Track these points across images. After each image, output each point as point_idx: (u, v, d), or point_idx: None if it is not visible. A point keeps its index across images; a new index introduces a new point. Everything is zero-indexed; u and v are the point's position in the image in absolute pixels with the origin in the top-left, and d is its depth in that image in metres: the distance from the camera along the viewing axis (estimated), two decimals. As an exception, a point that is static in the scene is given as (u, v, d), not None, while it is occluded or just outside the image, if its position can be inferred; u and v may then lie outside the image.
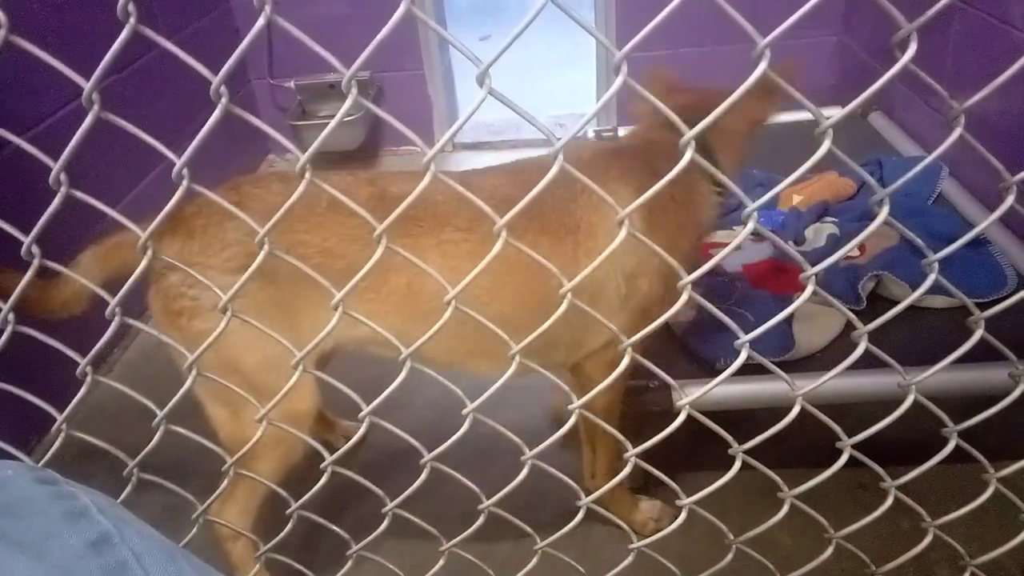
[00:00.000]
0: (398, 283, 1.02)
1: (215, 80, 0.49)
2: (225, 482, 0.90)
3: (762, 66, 0.46)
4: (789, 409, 0.69)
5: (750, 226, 0.54)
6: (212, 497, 0.85)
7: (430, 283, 0.96)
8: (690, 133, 0.50)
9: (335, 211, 0.97)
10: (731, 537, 0.81)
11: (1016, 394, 0.67)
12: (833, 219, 1.72)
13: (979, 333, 0.62)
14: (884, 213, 0.53)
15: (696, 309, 1.47)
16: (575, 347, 1.16)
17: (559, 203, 1.05)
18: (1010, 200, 0.54)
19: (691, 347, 1.42)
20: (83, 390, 0.71)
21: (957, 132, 0.51)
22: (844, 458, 0.71)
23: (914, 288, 1.57)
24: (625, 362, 0.60)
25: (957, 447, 0.73)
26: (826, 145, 0.50)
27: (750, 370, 0.68)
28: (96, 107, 0.51)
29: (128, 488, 0.79)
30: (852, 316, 0.63)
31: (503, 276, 1.01)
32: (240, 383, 0.80)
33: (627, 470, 0.74)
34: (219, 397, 1.08)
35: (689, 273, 0.57)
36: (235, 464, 0.84)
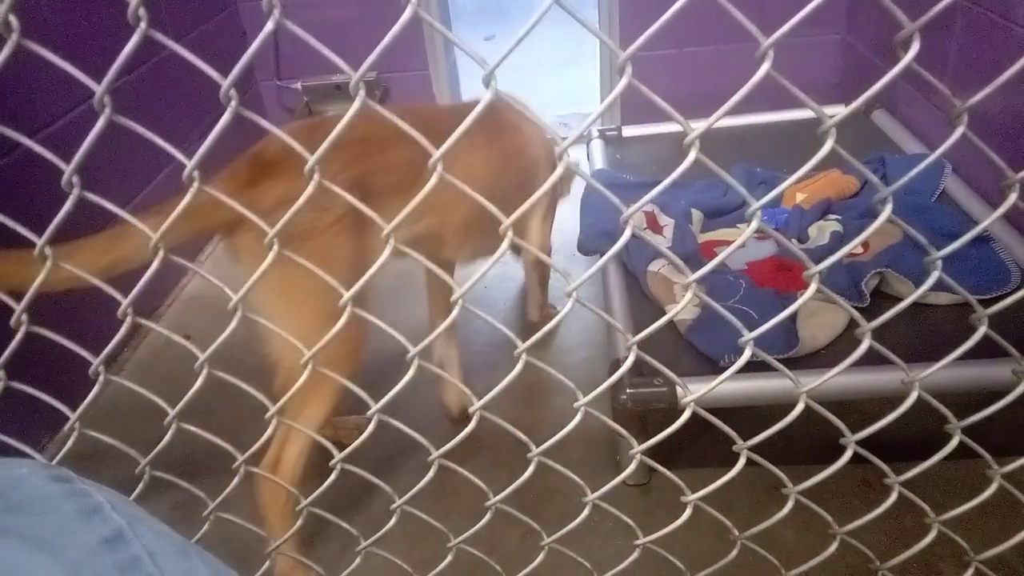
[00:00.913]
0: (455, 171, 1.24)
1: (225, 84, 0.50)
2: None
3: (765, 66, 0.46)
4: (792, 405, 0.69)
5: (754, 224, 0.54)
6: (223, 494, 0.86)
7: (476, 171, 1.34)
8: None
9: (402, 135, 1.13)
10: (736, 533, 0.81)
11: (1019, 391, 0.67)
12: (836, 216, 1.72)
13: (982, 330, 0.62)
14: (887, 212, 0.53)
15: (700, 307, 1.47)
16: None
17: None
18: (1012, 198, 0.55)
19: (695, 345, 1.42)
20: (96, 389, 0.71)
21: (959, 131, 0.51)
22: (848, 455, 0.72)
23: (918, 285, 1.57)
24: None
25: (961, 443, 0.74)
26: (829, 144, 0.50)
27: (754, 367, 0.68)
28: (108, 110, 0.52)
29: (140, 486, 0.80)
30: (856, 314, 0.64)
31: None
32: (326, 304, 0.83)
33: (632, 467, 0.75)
34: (297, 325, 1.06)
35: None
36: (297, 397, 0.84)
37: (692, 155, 0.50)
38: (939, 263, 0.59)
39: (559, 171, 0.55)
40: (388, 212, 1.04)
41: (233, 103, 0.51)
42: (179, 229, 0.95)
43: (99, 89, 0.52)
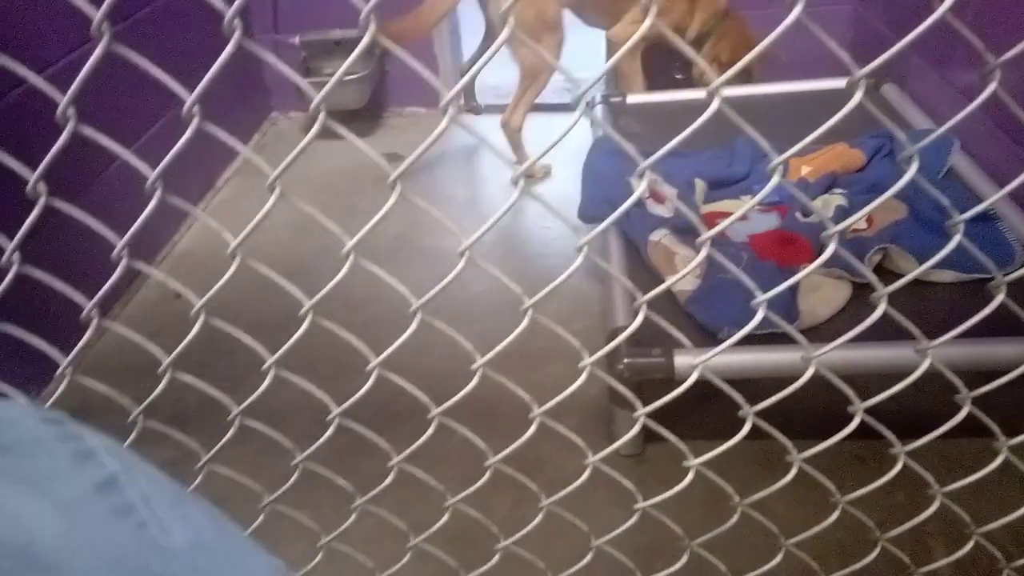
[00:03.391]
0: None
1: (229, 13, 0.48)
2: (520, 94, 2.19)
3: (798, 8, 0.44)
4: (793, 378, 0.68)
5: (775, 179, 0.52)
6: (217, 445, 0.85)
7: None
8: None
9: None
10: (737, 499, 0.81)
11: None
12: (842, 191, 1.71)
13: (1000, 298, 0.61)
14: (913, 169, 0.52)
15: (700, 277, 1.46)
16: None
17: None
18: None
19: (694, 316, 1.41)
20: (89, 333, 0.70)
21: (992, 86, 0.49)
22: (856, 422, 0.71)
23: (921, 261, 1.56)
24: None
25: (961, 419, 0.73)
26: (858, 96, 0.48)
27: (753, 340, 0.67)
28: (107, 37, 0.50)
29: (133, 435, 0.79)
30: (874, 277, 0.62)
31: None
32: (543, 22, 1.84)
33: (635, 430, 0.74)
34: (531, 36, 1.85)
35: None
36: (530, 80, 2.20)
37: (715, 104, 0.48)
38: (961, 226, 0.57)
39: (575, 119, 0.53)
40: None
41: (237, 33, 0.48)
42: None
43: (97, 15, 0.50)
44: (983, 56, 0.49)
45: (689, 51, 0.48)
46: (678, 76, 2.46)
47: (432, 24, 2.12)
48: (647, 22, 0.45)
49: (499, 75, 2.91)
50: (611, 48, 2.53)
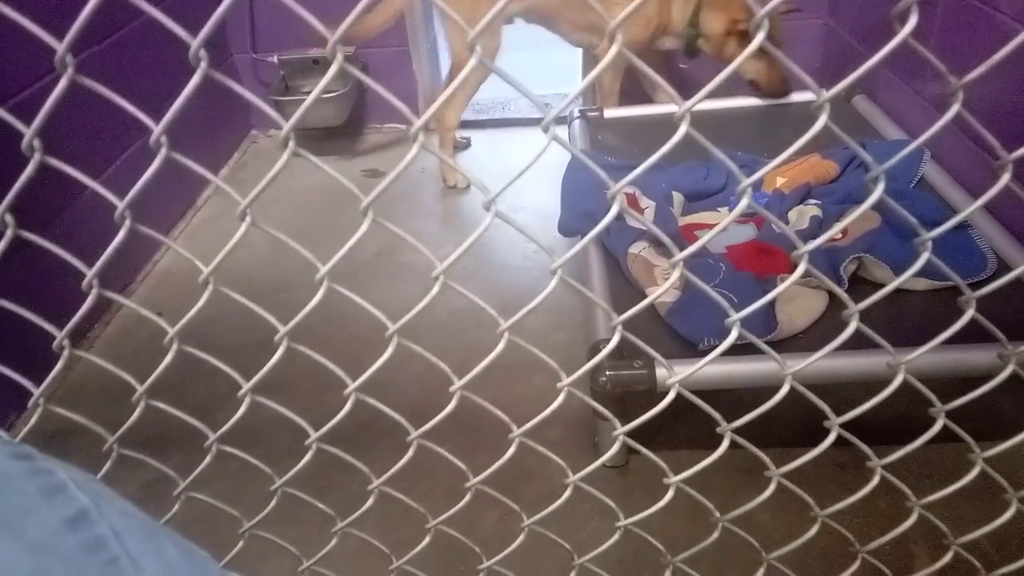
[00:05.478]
0: None
1: (194, 43, 0.48)
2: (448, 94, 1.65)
3: (760, 36, 0.45)
4: (771, 388, 0.68)
5: (744, 202, 0.53)
6: (194, 473, 0.84)
7: None
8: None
9: None
10: (717, 515, 0.81)
11: (1005, 374, 0.67)
12: (816, 201, 1.72)
13: (970, 313, 0.62)
14: (879, 190, 0.52)
15: (680, 289, 1.47)
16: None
17: None
18: (1006, 178, 0.54)
19: (674, 327, 1.42)
20: (60, 364, 0.69)
21: (956, 107, 0.50)
22: (832, 437, 0.72)
23: (896, 270, 1.57)
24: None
25: (940, 427, 0.74)
26: (822, 120, 0.49)
27: (734, 350, 0.68)
28: (70, 70, 0.49)
29: (108, 463, 0.78)
30: (844, 295, 0.63)
31: None
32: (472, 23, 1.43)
33: (615, 448, 0.74)
34: (458, 31, 2.16)
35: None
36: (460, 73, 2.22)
37: (683, 128, 0.49)
38: (929, 244, 0.58)
39: (545, 145, 0.54)
40: None
41: (203, 64, 0.48)
42: None
43: (61, 47, 0.50)
44: (946, 77, 0.50)
45: (655, 77, 0.48)
46: (682, 66, 2.46)
47: (376, 28, 2.26)
48: (613, 49, 0.45)
49: (480, 91, 2.93)
50: (590, 63, 2.53)
